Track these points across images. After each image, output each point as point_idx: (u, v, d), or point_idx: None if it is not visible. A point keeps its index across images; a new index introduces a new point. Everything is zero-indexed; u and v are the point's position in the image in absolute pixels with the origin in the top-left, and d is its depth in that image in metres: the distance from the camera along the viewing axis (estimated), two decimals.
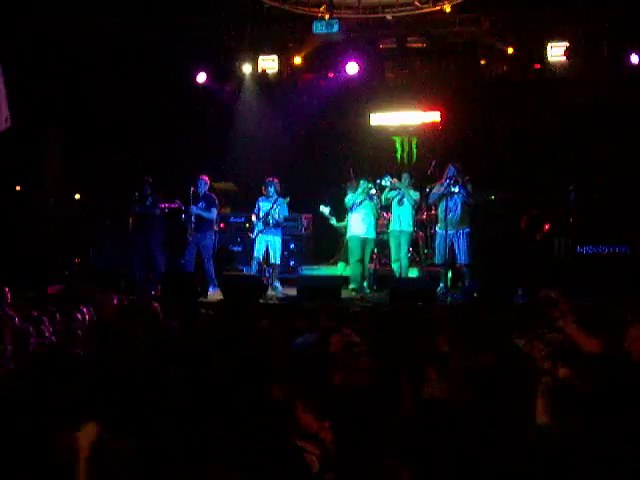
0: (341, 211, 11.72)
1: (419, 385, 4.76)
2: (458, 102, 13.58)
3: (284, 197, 11.09)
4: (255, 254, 11.05)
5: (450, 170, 10.47)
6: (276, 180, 11.16)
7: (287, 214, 11.18)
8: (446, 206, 10.49)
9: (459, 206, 10.45)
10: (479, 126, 13.34)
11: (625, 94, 12.14)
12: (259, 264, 11.08)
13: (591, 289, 9.61)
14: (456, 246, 10.47)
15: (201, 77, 13.60)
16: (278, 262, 11.08)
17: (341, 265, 11.79)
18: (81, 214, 13.25)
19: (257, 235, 11.03)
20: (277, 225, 11.02)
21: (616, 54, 12.22)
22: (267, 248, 11.01)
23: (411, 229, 11.03)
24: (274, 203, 10.99)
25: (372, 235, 11.00)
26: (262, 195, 11.19)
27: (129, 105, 13.15)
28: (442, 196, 10.52)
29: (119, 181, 12.50)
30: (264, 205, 11.08)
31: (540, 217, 10.92)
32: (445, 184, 10.41)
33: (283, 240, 11.28)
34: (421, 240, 11.94)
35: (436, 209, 10.62)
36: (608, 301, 9.17)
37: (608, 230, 10.11)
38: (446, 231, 10.42)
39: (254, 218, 11.19)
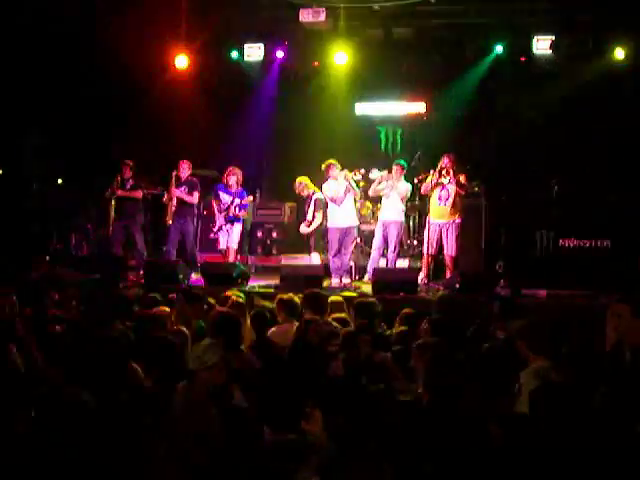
0: None
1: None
2: (444, 93, 13.58)
3: (245, 190, 11.22)
4: (220, 246, 11.27)
5: (444, 161, 10.50)
6: (238, 171, 11.23)
7: (246, 207, 11.33)
8: (439, 196, 10.52)
9: (451, 196, 10.49)
10: (464, 118, 13.34)
11: (609, 88, 12.20)
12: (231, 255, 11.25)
13: (573, 282, 9.67)
14: (445, 237, 10.50)
15: (185, 62, 13.44)
16: (235, 246, 11.27)
17: (315, 255, 11.72)
18: (63, 199, 13.15)
19: (219, 229, 11.21)
20: (236, 218, 11.21)
21: (601, 48, 12.26)
22: (228, 236, 11.22)
23: (401, 219, 11.04)
24: (234, 196, 11.11)
25: (353, 224, 10.97)
26: (222, 183, 11.30)
27: (112, 89, 13.05)
28: (434, 186, 10.55)
29: (101, 165, 12.42)
30: (223, 197, 11.21)
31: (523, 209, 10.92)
32: (436, 175, 10.44)
33: (264, 229, 11.39)
34: (405, 230, 11.94)
35: (428, 199, 10.65)
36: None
37: (591, 223, 10.14)
38: (438, 221, 10.47)
39: (216, 210, 11.27)
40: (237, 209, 11.12)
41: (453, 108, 13.45)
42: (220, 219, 11.19)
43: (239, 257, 11.53)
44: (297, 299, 6.90)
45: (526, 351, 5.09)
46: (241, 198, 11.17)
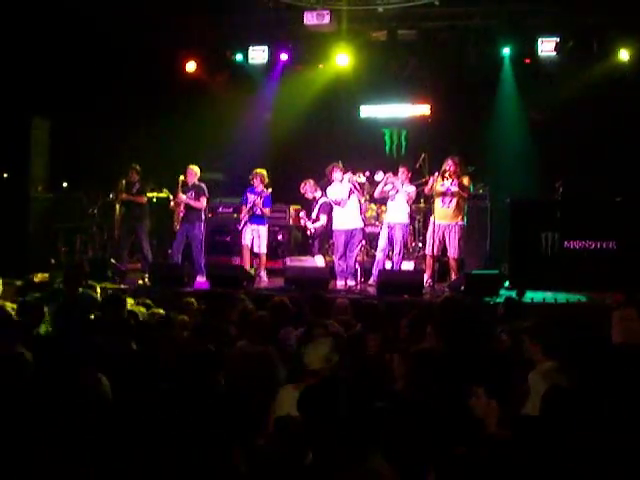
0: None
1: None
2: (448, 95, 13.57)
3: (267, 188, 11.22)
4: (243, 242, 11.23)
5: (448, 163, 10.49)
6: (261, 172, 11.29)
7: (270, 205, 11.32)
8: (442, 198, 10.52)
9: (454, 199, 10.48)
10: (469, 120, 13.34)
11: (613, 89, 12.20)
12: (247, 253, 11.23)
13: (578, 284, 9.64)
14: (447, 239, 10.50)
15: (190, 66, 13.51)
16: (264, 251, 11.23)
17: (319, 258, 11.72)
18: (68, 202, 13.17)
19: (244, 225, 11.18)
20: (262, 215, 11.19)
21: (605, 49, 12.26)
22: (253, 238, 11.18)
23: (406, 221, 11.03)
24: (259, 195, 11.13)
25: (358, 226, 10.97)
26: (250, 186, 11.35)
27: (117, 93, 13.08)
28: (437, 190, 10.54)
29: (107, 169, 12.44)
30: (250, 197, 11.28)
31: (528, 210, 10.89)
32: (439, 178, 10.44)
33: (269, 231, 11.42)
34: (410, 232, 11.93)
35: (433, 200, 10.67)
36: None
37: (596, 225, 10.11)
38: (440, 223, 10.47)
39: (244, 210, 11.32)
40: (262, 204, 11.14)
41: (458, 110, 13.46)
42: (245, 217, 11.25)
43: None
44: (287, 301, 6.91)
45: (533, 353, 5.08)
46: (264, 196, 11.20)
